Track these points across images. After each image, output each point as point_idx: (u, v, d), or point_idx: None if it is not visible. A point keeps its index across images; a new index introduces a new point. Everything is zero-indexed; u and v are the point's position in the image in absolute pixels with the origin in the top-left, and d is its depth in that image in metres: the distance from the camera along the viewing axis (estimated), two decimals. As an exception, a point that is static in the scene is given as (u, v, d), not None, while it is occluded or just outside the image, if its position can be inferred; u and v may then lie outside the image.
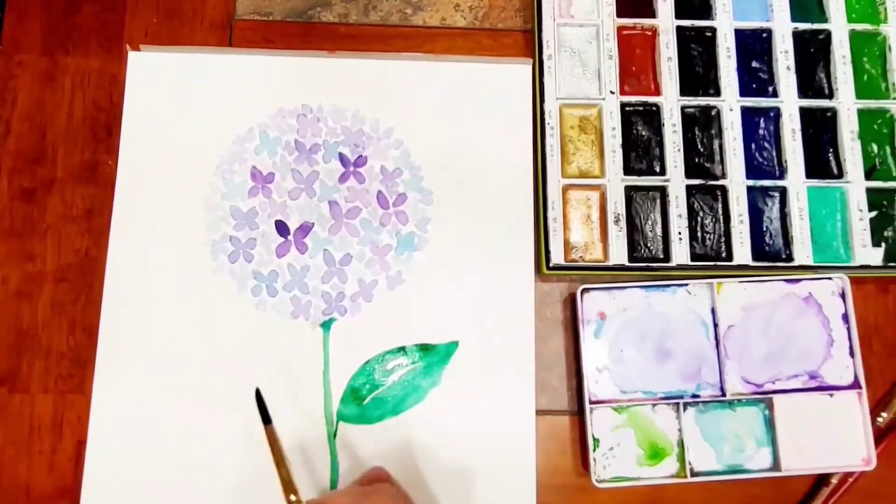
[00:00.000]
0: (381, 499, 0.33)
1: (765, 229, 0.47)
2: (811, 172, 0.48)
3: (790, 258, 0.47)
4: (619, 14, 0.49)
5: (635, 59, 0.49)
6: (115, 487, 0.43)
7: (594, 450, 0.44)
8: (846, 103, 0.48)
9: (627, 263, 0.46)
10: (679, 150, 0.47)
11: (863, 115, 0.48)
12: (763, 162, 0.48)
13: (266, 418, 0.38)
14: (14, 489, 0.44)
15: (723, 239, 0.47)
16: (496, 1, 0.51)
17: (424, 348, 0.45)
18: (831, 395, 0.45)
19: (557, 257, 0.46)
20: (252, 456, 0.43)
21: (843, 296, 0.45)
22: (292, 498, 0.35)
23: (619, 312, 0.45)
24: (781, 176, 0.48)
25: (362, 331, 0.45)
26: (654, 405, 0.44)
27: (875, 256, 0.47)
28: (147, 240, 0.46)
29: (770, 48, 0.49)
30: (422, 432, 0.44)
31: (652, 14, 0.49)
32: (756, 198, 0.47)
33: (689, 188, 0.47)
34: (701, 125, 0.48)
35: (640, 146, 0.48)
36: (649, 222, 0.47)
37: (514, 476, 0.44)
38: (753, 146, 0.48)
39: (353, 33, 0.50)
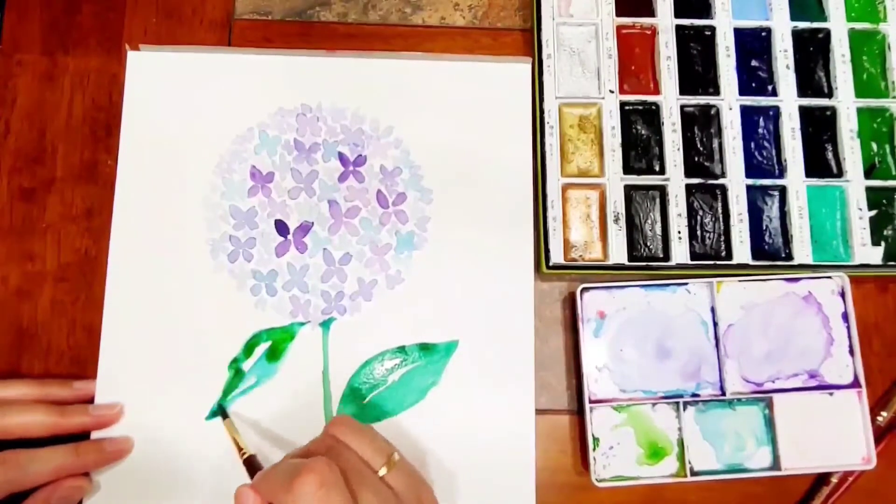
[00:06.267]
0: (308, 478, 0.32)
1: (764, 228, 0.47)
2: (811, 171, 0.48)
3: (790, 257, 0.47)
4: (619, 13, 0.49)
5: (634, 59, 0.49)
6: (117, 488, 0.43)
7: (594, 449, 0.44)
8: (846, 102, 0.48)
9: (627, 262, 0.46)
10: (678, 149, 0.47)
11: (862, 113, 0.48)
12: (762, 161, 0.48)
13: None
14: (14, 489, 0.44)
15: (722, 238, 0.47)
16: (495, 0, 0.51)
17: (424, 347, 0.45)
18: (831, 394, 0.45)
19: (557, 256, 0.46)
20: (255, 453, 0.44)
21: (842, 295, 0.45)
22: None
23: (619, 311, 0.45)
24: (781, 175, 0.48)
25: (362, 330, 0.45)
26: (653, 404, 0.44)
27: (875, 255, 0.47)
28: (147, 239, 0.46)
29: (769, 47, 0.49)
30: (422, 431, 0.44)
31: (651, 13, 0.49)
32: (755, 197, 0.47)
33: (688, 187, 0.47)
34: (700, 124, 0.48)
35: (640, 145, 0.48)
36: (649, 221, 0.47)
37: (513, 475, 0.44)
38: (753, 145, 0.48)
39: (353, 33, 0.50)
